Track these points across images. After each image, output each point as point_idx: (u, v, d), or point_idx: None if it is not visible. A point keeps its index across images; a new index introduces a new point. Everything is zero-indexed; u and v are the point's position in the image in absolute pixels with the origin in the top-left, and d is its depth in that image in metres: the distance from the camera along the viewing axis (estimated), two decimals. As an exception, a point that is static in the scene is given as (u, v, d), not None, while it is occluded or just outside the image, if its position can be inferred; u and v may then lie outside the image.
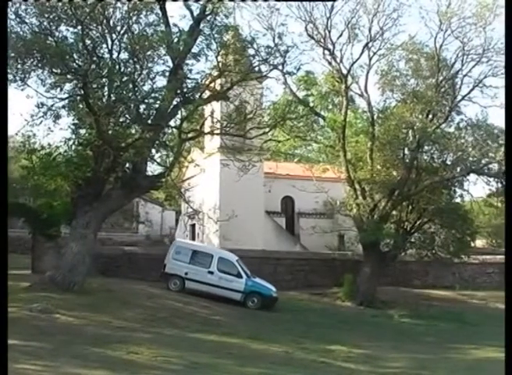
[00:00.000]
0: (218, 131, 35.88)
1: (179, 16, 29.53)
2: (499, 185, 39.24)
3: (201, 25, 28.34)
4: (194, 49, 28.34)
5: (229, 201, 43.94)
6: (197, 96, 30.00)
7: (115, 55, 27.68)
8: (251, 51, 32.47)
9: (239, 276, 33.48)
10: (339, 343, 25.81)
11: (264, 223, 49.12)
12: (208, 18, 28.51)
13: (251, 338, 23.36)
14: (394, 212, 40.23)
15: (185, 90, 28.99)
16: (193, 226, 50.05)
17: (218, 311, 29.49)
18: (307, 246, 50.21)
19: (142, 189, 31.62)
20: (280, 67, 33.92)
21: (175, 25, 28.07)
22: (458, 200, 42.53)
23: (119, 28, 27.60)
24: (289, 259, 42.54)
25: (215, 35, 28.85)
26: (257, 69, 33.34)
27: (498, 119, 40.19)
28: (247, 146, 38.80)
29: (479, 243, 68.32)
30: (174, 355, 17.38)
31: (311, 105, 40.94)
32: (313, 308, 35.43)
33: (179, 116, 30.48)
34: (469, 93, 39.73)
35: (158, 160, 34.61)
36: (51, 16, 25.90)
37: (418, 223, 41.01)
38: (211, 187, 47.61)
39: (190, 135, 32.49)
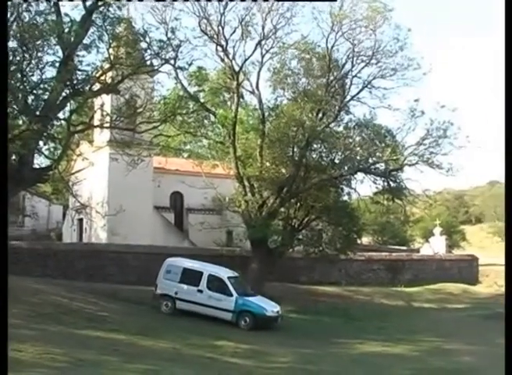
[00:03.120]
0: (107, 125, 35.39)
1: (70, 6, 28.82)
2: (386, 184, 40.13)
3: (93, 16, 27.82)
4: (86, 40, 27.91)
5: (117, 195, 43.38)
6: (87, 88, 29.53)
7: (3, 43, 26.90)
8: (143, 45, 32.25)
9: (229, 294, 31.34)
10: (226, 338, 25.91)
11: (152, 219, 48.86)
12: (101, 9, 28.05)
13: (139, 334, 23.15)
14: (282, 209, 40.54)
15: (75, 81, 28.45)
16: (80, 220, 49.16)
17: (107, 308, 29.08)
18: (195, 242, 50.18)
19: (28, 182, 30.52)
20: (172, 62, 33.87)
21: (66, 15, 27.49)
22: (345, 198, 43.25)
23: (8, 15, 26.81)
24: (177, 255, 42.28)
25: (107, 27, 28.45)
26: (148, 62, 33.14)
27: (386, 119, 41.01)
28: (136, 140, 38.34)
29: (365, 240, 69.87)
30: (59, 353, 16.99)
31: (202, 100, 40.74)
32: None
33: (68, 108, 29.97)
34: (358, 93, 40.53)
35: (46, 153, 33.74)
36: None
37: (306, 220, 41.50)
38: (99, 181, 46.95)
39: (78, 128, 31.88)
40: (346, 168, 40.16)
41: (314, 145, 40.65)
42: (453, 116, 38.06)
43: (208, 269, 32.71)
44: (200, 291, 31.48)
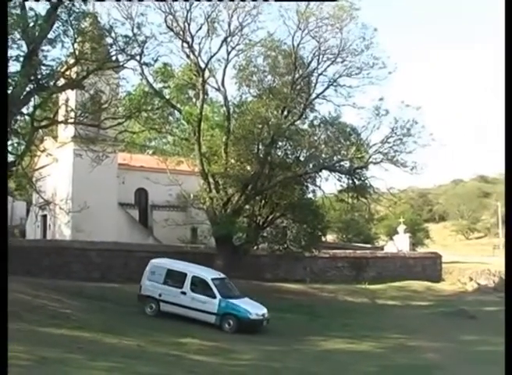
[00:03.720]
0: (72, 120, 35.07)
1: (35, 0, 28.54)
2: (350, 182, 40.37)
3: (59, 10, 27.45)
4: (51, 35, 27.57)
5: (81, 192, 43.07)
6: (51, 83, 29.24)
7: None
8: (109, 40, 32.03)
9: (212, 296, 30.42)
10: (191, 336, 25.85)
11: (117, 215, 48.55)
12: (66, 3, 27.71)
13: (103, 332, 23.01)
14: (247, 207, 40.66)
15: (39, 76, 28.16)
16: (44, 217, 48.77)
17: (70, 305, 28.87)
18: (160, 239, 50.00)
19: (-10, 178, 30.25)
20: (138, 58, 33.80)
21: (31, 9, 27.14)
22: (310, 195, 43.63)
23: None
24: (141, 252, 41.94)
25: (73, 21, 28.17)
26: (114, 58, 32.90)
27: (351, 117, 41.30)
28: (101, 136, 38.14)
29: (330, 238, 70.11)
30: (22, 351, 16.79)
31: (168, 97, 40.58)
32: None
33: (32, 103, 29.63)
34: (323, 91, 40.90)
35: (9, 148, 33.43)
36: None
37: (271, 217, 41.65)
38: (63, 177, 46.55)
39: (42, 123, 31.63)
40: (311, 166, 40.38)
41: (279, 143, 40.80)
42: (418, 114, 38.42)
43: (192, 270, 32.00)
44: (184, 293, 30.73)
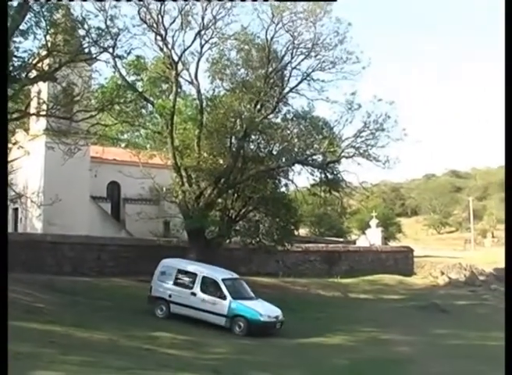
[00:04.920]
0: (44, 113, 34.93)
1: (7, -10, 28.27)
2: (323, 176, 40.48)
3: (31, 1, 27.27)
4: (22, 26, 27.24)
5: (53, 185, 42.74)
6: (23, 75, 29.02)
7: None
8: (82, 32, 31.75)
9: (222, 297, 29.63)
10: (164, 330, 25.84)
11: (89, 209, 48.28)
12: (39, -6, 27.56)
13: (75, 326, 22.91)
14: (220, 200, 40.61)
15: (11, 68, 27.90)
16: (15, 210, 48.35)
17: (43, 299, 28.70)
18: (132, 232, 49.85)
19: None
20: (110, 50, 33.53)
21: (2, -1, 26.92)
22: (283, 189, 43.58)
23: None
24: (113, 245, 41.95)
25: (45, 13, 27.93)
26: (86, 50, 32.65)
27: (324, 112, 41.30)
28: (73, 129, 37.87)
29: (302, 232, 70.26)
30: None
31: (141, 90, 40.39)
32: (137, 294, 35.15)
33: (3, 94, 29.34)
34: (297, 85, 40.88)
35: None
36: None
37: (243, 211, 41.65)
38: (35, 170, 46.21)
39: (14, 116, 31.38)
40: (283, 159, 40.43)
41: (252, 136, 40.82)
42: (391, 109, 38.60)
43: (202, 270, 31.32)
44: (194, 294, 30.17)
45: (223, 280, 30.54)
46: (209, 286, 30.40)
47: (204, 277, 30.58)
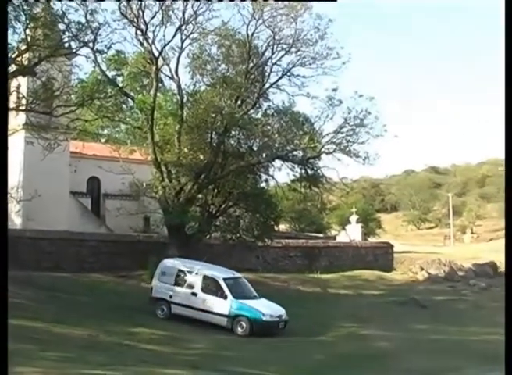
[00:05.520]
0: (23, 107, 34.67)
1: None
2: (303, 171, 40.58)
3: (10, -5, 27.15)
4: (1, 20, 27.14)
5: (32, 180, 42.51)
6: (2, 70, 28.83)
7: None
8: (62, 27, 31.59)
9: (223, 297, 29.21)
10: (143, 325, 25.85)
11: (68, 204, 48.03)
12: (18, -12, 27.42)
13: (55, 322, 22.85)
14: (200, 196, 40.63)
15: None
16: (-7, 205, 48.09)
17: (22, 295, 28.53)
18: (112, 228, 49.69)
19: None
20: (91, 45, 33.39)
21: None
22: (263, 185, 43.65)
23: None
24: (93, 241, 41.81)
25: (25, 7, 27.84)
26: (66, 45, 32.53)
27: (304, 107, 41.38)
28: (53, 124, 37.64)
29: (282, 227, 70.36)
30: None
31: (121, 85, 40.23)
32: (117, 290, 35.13)
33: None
34: (277, 81, 40.99)
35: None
36: None
37: (223, 206, 41.70)
38: (14, 165, 45.68)
39: (-8, 110, 31.14)
40: (264, 155, 40.51)
41: (233, 132, 40.86)
42: (371, 105, 38.75)
43: (203, 269, 31.04)
44: (195, 294, 29.84)
45: (224, 279, 30.17)
46: (210, 285, 30.11)
47: (204, 277, 30.28)
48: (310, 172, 40.77)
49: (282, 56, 40.05)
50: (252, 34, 38.84)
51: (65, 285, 32.86)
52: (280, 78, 40.72)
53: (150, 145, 38.64)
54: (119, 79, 41.48)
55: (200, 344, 24.55)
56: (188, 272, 30.92)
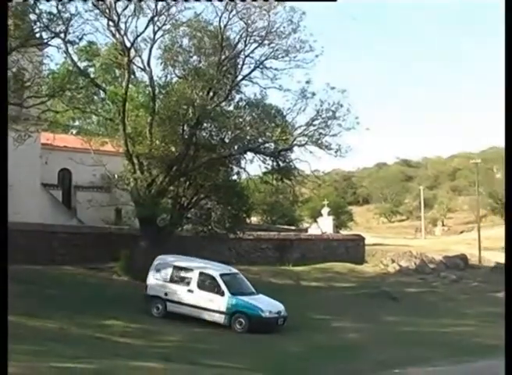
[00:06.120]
0: (-7, 98, 34.30)
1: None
2: (275, 164, 40.64)
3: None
4: (-29, 10, 26.84)
5: (3, 171, 42.17)
6: (-29, 60, 28.53)
7: None
8: (33, 17, 31.26)
9: (220, 293, 28.78)
10: (115, 318, 25.75)
11: (39, 196, 47.65)
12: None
13: (27, 315, 22.70)
14: (171, 188, 40.50)
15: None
16: (-37, 197, 47.69)
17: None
18: (83, 220, 49.39)
19: None
20: (62, 35, 33.04)
21: None
22: (235, 177, 43.77)
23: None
24: (64, 233, 41.52)
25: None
26: (37, 35, 32.23)
27: (276, 100, 41.31)
28: (23, 115, 37.21)
29: (254, 220, 70.39)
30: None
31: (92, 76, 39.94)
32: (89, 282, 34.96)
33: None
34: (250, 73, 41.05)
35: None
36: None
37: (195, 198, 41.67)
38: (-17, 156, 45.57)
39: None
40: (235, 147, 40.56)
41: (205, 124, 40.80)
42: (343, 97, 38.84)
43: (199, 265, 30.77)
44: (191, 291, 29.45)
45: (221, 275, 29.85)
46: (206, 282, 29.73)
47: (201, 273, 29.91)
48: (282, 164, 40.87)
49: (255, 48, 40.04)
50: (225, 26, 38.76)
51: (36, 278, 32.59)
52: (253, 70, 40.75)
53: (121, 137, 38.43)
54: (91, 70, 41.15)
55: (174, 337, 24.56)
56: (184, 268, 30.68)
